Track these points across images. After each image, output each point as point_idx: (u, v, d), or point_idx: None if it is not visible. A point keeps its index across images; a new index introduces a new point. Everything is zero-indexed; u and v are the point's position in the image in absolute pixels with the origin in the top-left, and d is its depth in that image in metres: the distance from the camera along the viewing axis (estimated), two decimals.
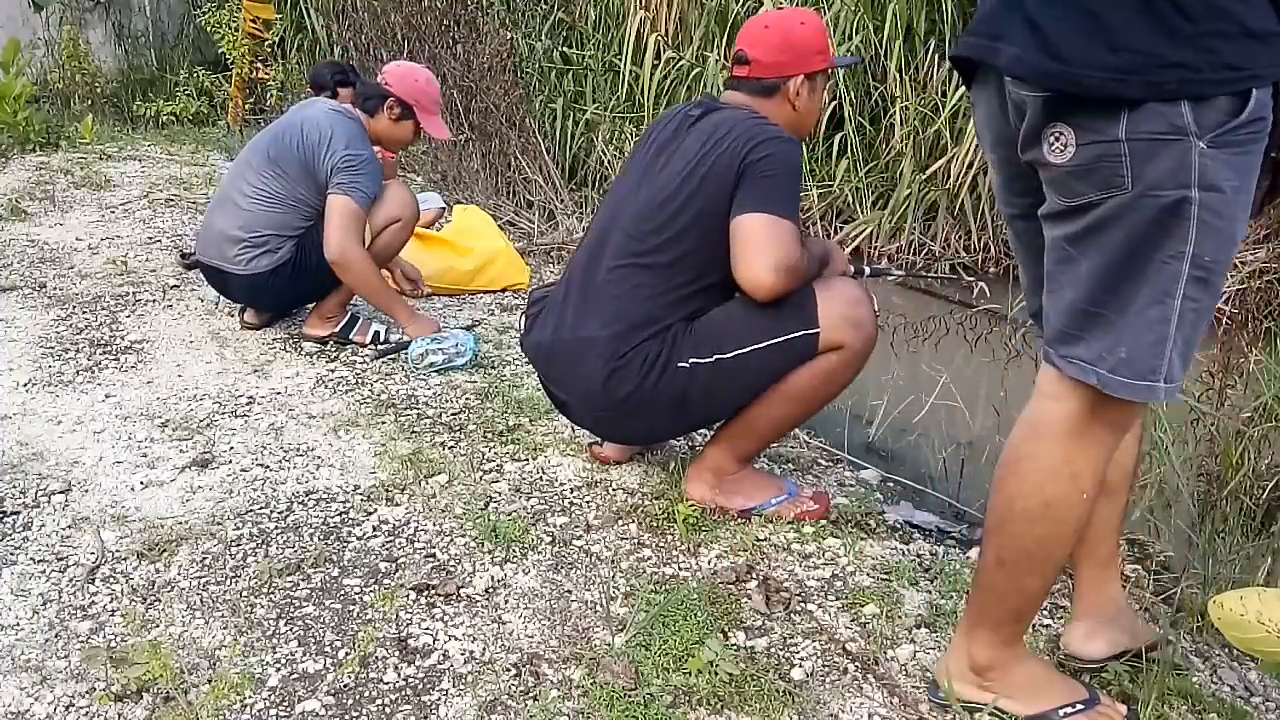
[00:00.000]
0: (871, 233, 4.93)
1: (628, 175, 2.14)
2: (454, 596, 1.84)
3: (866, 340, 1.96)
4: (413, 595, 1.84)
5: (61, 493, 2.20)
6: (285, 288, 3.01)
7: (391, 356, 3.05)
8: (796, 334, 1.92)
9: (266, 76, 6.21)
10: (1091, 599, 1.59)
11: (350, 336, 3.12)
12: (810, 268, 1.97)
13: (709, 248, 1.94)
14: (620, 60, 5.59)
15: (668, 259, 1.97)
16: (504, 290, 3.86)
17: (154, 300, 3.45)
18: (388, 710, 1.55)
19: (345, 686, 1.60)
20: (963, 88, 4.72)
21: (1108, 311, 1.20)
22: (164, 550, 1.98)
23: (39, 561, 1.95)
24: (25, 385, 2.75)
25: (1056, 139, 1.17)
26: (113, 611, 1.79)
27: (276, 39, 6.58)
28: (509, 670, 1.64)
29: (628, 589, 1.87)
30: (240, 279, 2.97)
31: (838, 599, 1.86)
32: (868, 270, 2.53)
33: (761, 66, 2.04)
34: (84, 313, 3.31)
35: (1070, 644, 1.62)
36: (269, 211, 2.92)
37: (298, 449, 2.44)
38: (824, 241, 2.18)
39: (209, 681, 1.60)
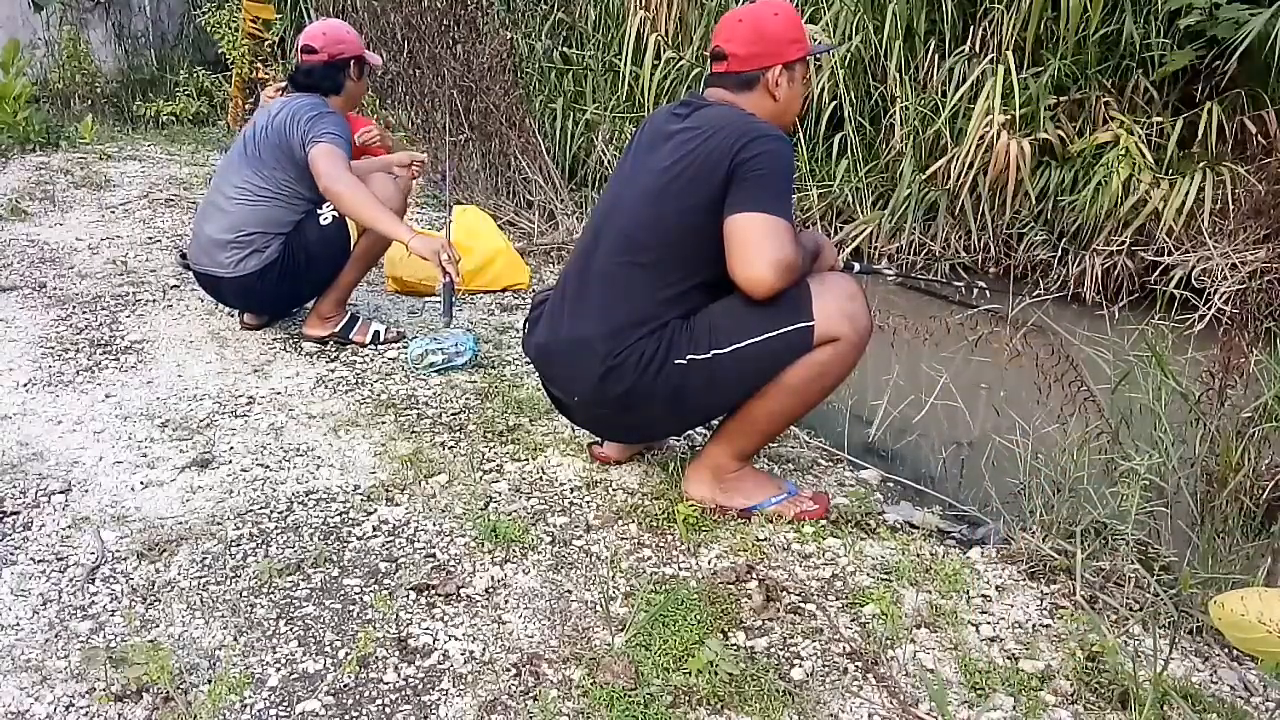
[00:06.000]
0: (871, 233, 4.93)
1: (619, 175, 2.15)
2: (454, 596, 1.84)
3: (862, 332, 1.96)
4: (413, 595, 1.84)
5: (61, 493, 2.20)
6: (274, 289, 3.00)
7: (391, 357, 3.05)
8: (792, 327, 1.92)
9: (266, 76, 6.20)
10: None
11: (350, 336, 3.12)
12: (804, 263, 1.98)
13: (700, 245, 1.95)
14: (620, 60, 5.59)
15: (659, 257, 1.97)
16: (504, 290, 3.86)
17: (154, 300, 3.45)
18: (388, 710, 1.55)
19: (345, 686, 1.60)
20: (963, 87, 4.73)
21: None
22: (164, 550, 1.98)
23: (39, 561, 1.95)
24: (25, 385, 2.75)
25: None
26: (113, 611, 1.79)
27: (276, 39, 6.57)
28: (509, 670, 1.64)
29: (628, 589, 1.87)
30: (231, 282, 2.97)
31: (838, 599, 1.86)
32: (857, 266, 2.52)
33: (738, 60, 2.04)
34: (84, 313, 3.31)
35: None
36: (253, 208, 2.91)
37: (298, 449, 2.44)
38: (814, 235, 2.18)
39: (209, 681, 1.60)
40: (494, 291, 3.83)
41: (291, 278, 2.97)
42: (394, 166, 3.20)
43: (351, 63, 3.05)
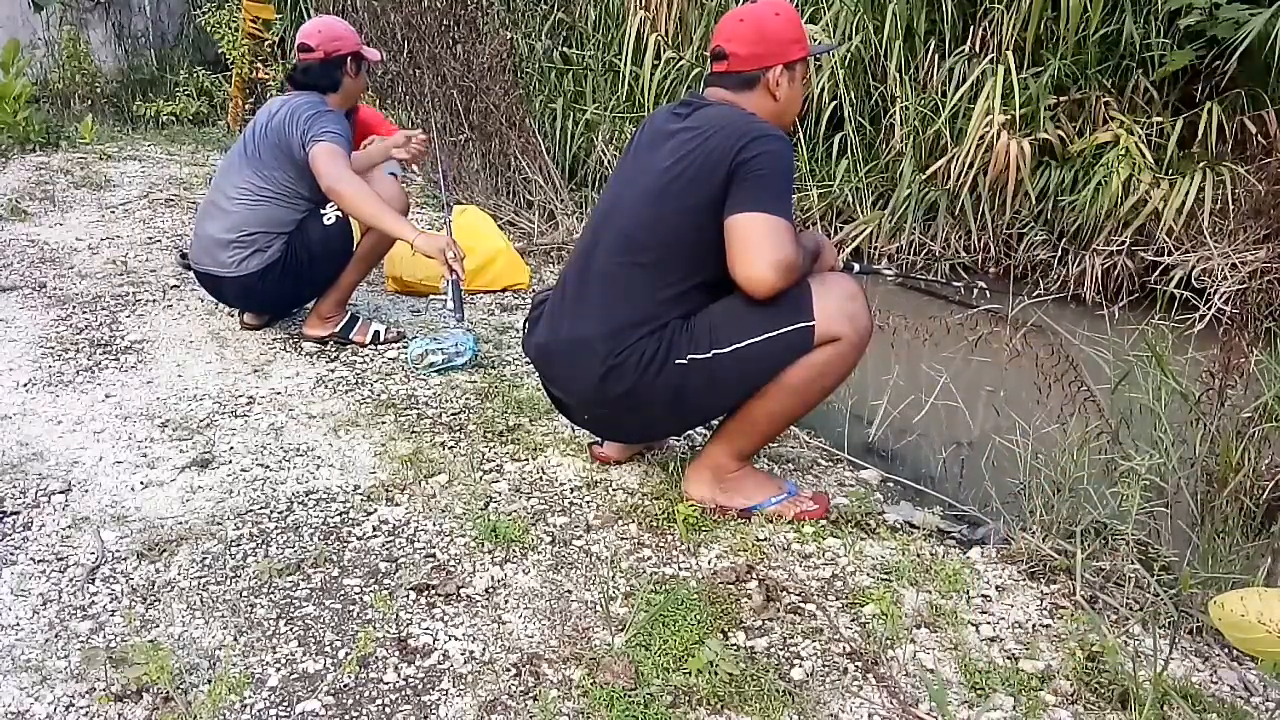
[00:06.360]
0: (871, 233, 4.92)
1: (619, 175, 2.14)
2: (454, 596, 1.84)
3: (862, 332, 1.96)
4: (413, 595, 1.84)
5: (61, 493, 2.20)
6: (276, 289, 3.00)
7: (391, 357, 3.05)
8: (792, 327, 1.92)
9: (266, 76, 6.20)
10: None
11: (350, 336, 3.12)
12: (805, 263, 1.98)
13: (700, 245, 1.95)
14: (620, 60, 5.59)
15: (659, 257, 1.97)
16: (504, 290, 3.86)
17: (154, 300, 3.45)
18: (388, 710, 1.55)
19: (345, 686, 1.60)
20: (963, 87, 4.72)
21: None
22: (164, 550, 1.98)
23: (39, 561, 1.95)
24: (25, 385, 2.75)
25: None
26: (113, 611, 1.79)
27: (276, 39, 6.58)
28: (509, 670, 1.64)
29: (628, 589, 1.87)
30: (232, 282, 2.97)
31: (838, 599, 1.86)
32: (856, 267, 2.52)
33: (739, 60, 2.04)
34: (84, 313, 3.31)
35: None
36: (254, 208, 2.91)
37: (298, 449, 2.44)
38: (815, 235, 2.18)
39: (209, 681, 1.60)
40: (494, 291, 3.83)
41: (294, 277, 2.97)
42: (393, 150, 3.19)
43: (349, 59, 3.03)
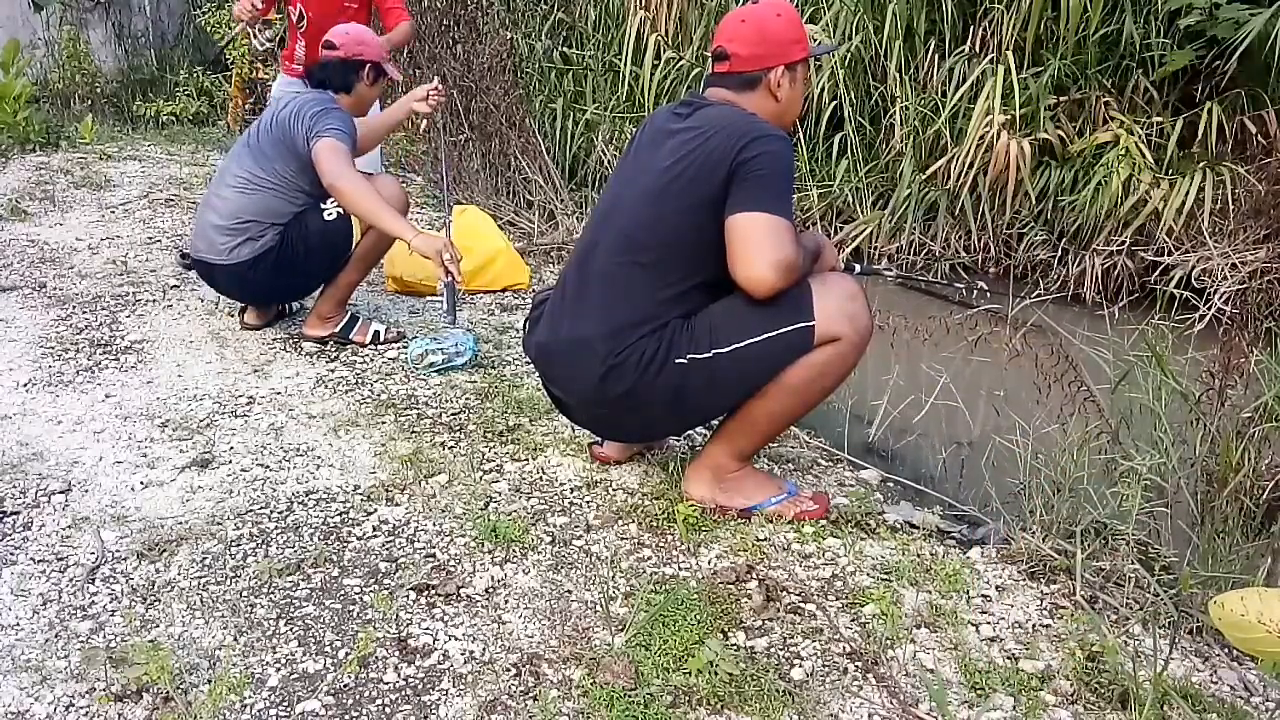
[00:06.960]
0: (871, 233, 4.93)
1: (619, 175, 2.15)
2: (454, 596, 1.84)
3: (862, 332, 1.96)
4: (413, 595, 1.84)
5: (61, 493, 2.20)
6: (268, 279, 2.99)
7: (391, 357, 3.05)
8: (792, 327, 1.92)
9: (267, 76, 6.20)
10: None
11: (350, 336, 3.12)
12: (805, 263, 1.98)
13: (700, 245, 1.95)
14: (620, 60, 5.59)
15: (659, 257, 1.97)
16: (504, 290, 3.86)
17: (154, 300, 3.45)
18: (388, 710, 1.55)
19: (345, 686, 1.60)
20: (963, 87, 4.72)
21: None
22: (164, 550, 1.98)
23: (39, 561, 1.95)
24: (25, 385, 2.75)
25: None
26: (113, 611, 1.79)
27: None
28: (509, 670, 1.64)
29: (628, 589, 1.87)
30: (223, 269, 2.97)
31: (838, 599, 1.86)
32: (857, 267, 2.53)
33: (741, 60, 2.04)
34: (84, 313, 3.31)
35: None
36: (250, 196, 2.92)
37: (298, 449, 2.44)
38: (815, 235, 2.18)
39: (209, 681, 1.60)
40: (494, 291, 3.83)
41: (288, 269, 2.97)
42: (412, 104, 3.20)
43: (368, 66, 3.05)
